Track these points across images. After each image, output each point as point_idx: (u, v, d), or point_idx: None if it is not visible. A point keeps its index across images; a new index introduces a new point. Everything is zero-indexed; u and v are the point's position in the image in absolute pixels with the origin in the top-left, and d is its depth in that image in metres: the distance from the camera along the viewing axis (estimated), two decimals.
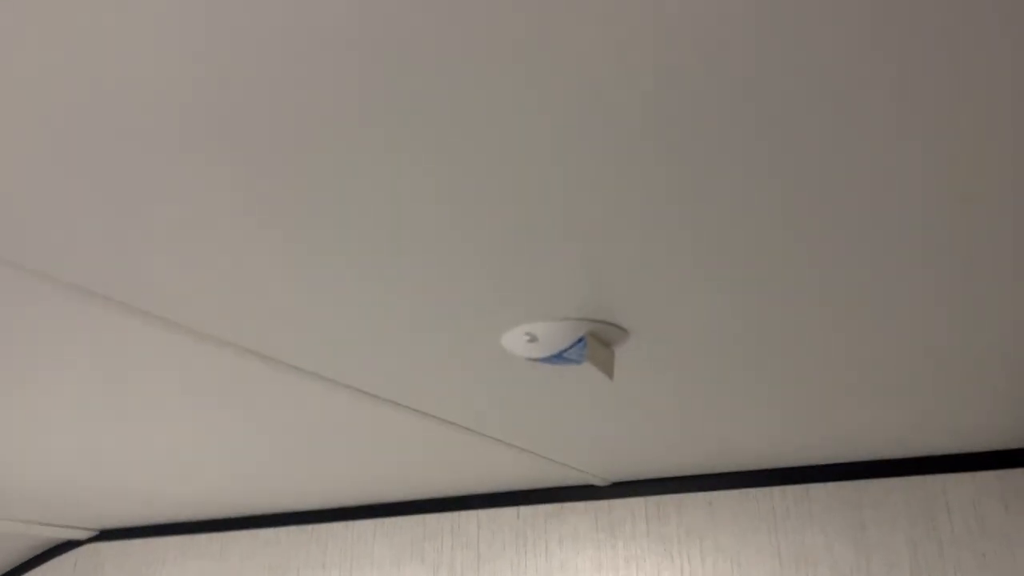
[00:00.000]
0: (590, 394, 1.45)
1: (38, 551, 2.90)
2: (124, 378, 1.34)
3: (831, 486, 2.08)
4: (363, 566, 2.49)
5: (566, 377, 1.35)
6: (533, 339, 1.13)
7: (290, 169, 0.75)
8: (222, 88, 0.63)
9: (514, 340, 1.16)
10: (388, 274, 0.97)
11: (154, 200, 0.79)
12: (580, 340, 1.12)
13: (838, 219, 0.85)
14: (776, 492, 2.12)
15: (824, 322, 1.14)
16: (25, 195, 0.78)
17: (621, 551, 2.22)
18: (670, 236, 0.89)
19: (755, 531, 2.11)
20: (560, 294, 1.03)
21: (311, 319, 1.10)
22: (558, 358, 1.16)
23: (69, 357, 1.24)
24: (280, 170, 0.75)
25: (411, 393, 1.43)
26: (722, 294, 1.04)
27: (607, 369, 1.15)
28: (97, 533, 2.85)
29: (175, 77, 0.62)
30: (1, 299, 1.02)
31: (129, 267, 0.93)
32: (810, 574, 2.03)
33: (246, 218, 0.83)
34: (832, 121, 0.69)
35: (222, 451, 1.85)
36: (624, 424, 1.66)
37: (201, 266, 0.94)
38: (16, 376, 1.32)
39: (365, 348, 1.21)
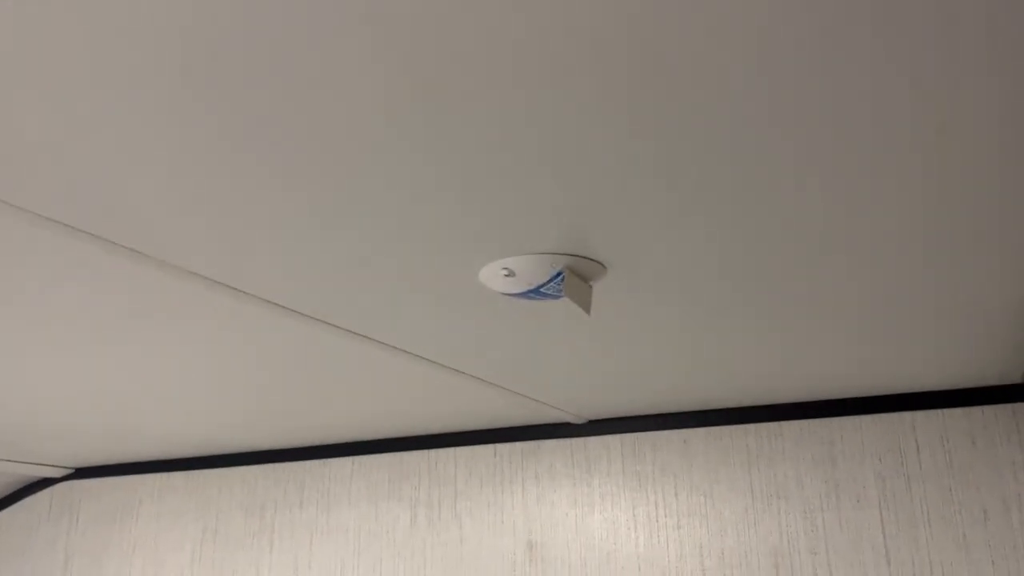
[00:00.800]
0: (567, 330, 1.45)
1: (12, 489, 2.89)
2: (96, 313, 1.32)
3: (803, 423, 2.11)
4: (340, 504, 2.51)
5: (543, 313, 1.34)
6: (510, 274, 1.12)
7: (266, 96, 0.72)
8: (207, 19, 0.60)
9: (491, 275, 1.14)
10: (364, 206, 0.95)
11: (122, 119, 0.76)
12: (558, 275, 1.11)
13: (817, 155, 0.84)
14: (750, 430, 2.15)
15: (800, 262, 1.13)
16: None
17: (597, 487, 2.26)
18: (649, 171, 0.87)
19: (728, 468, 2.15)
20: (538, 228, 1.01)
21: (283, 252, 1.08)
22: (536, 293, 1.15)
23: (37, 290, 1.21)
24: (256, 97, 0.72)
25: (388, 330, 1.42)
26: (701, 231, 1.03)
27: (584, 304, 1.14)
28: (72, 471, 2.85)
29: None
30: None
31: (97, 193, 0.90)
32: (781, 509, 2.07)
33: (218, 142, 0.80)
34: (819, 55, 0.67)
35: (196, 389, 1.84)
36: (601, 361, 1.66)
37: (170, 194, 0.91)
38: None
39: (339, 282, 1.19)
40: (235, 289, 1.20)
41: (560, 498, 2.28)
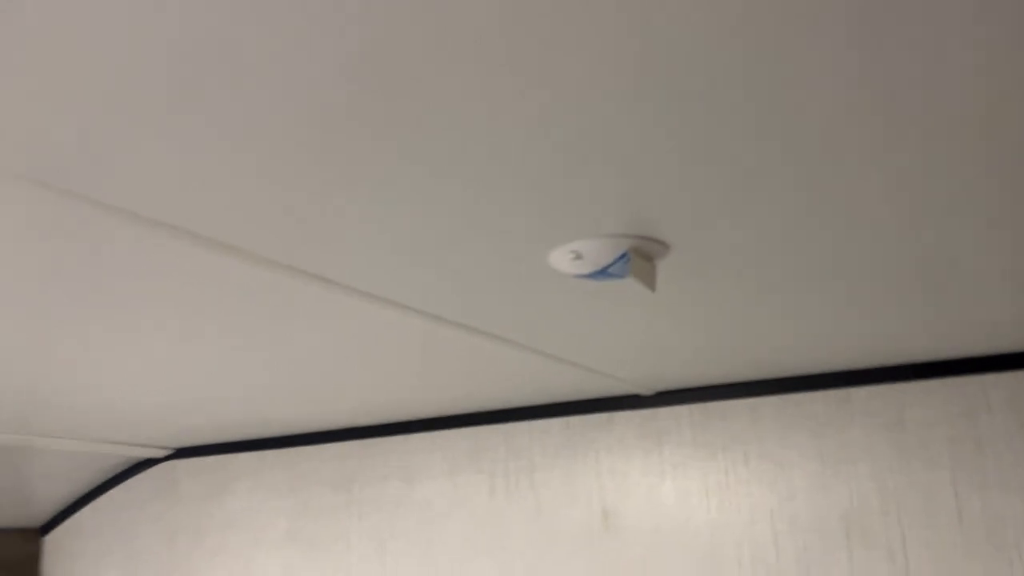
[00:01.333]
0: (634, 308, 1.51)
1: (120, 469, 3.11)
2: (196, 307, 1.43)
3: (872, 389, 2.13)
4: (421, 477, 2.63)
5: (611, 292, 1.41)
6: (578, 256, 1.19)
7: (337, 85, 0.80)
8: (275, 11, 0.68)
9: (560, 258, 1.21)
10: (442, 198, 1.03)
11: (197, 112, 0.86)
12: (623, 256, 1.17)
13: (874, 136, 0.88)
14: (818, 396, 2.18)
15: (864, 231, 1.17)
16: (98, 130, 0.85)
17: (667, 457, 2.32)
18: (710, 156, 0.92)
19: (797, 434, 2.18)
20: (603, 212, 1.08)
21: (366, 242, 1.17)
22: (602, 274, 1.21)
23: (145, 288, 1.32)
24: (328, 86, 0.80)
25: (464, 312, 1.50)
26: (762, 208, 1.08)
27: (649, 283, 1.21)
28: (173, 451, 3.04)
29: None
30: (77, 234, 1.10)
31: (191, 195, 1.00)
32: (851, 474, 2.10)
33: (293, 138, 0.89)
34: (872, 40, 0.72)
35: (286, 373, 1.96)
36: (668, 336, 1.72)
37: (253, 189, 1.00)
38: (97, 307, 1.42)
39: (420, 270, 1.28)
40: (323, 279, 1.30)
41: (632, 468, 2.36)
